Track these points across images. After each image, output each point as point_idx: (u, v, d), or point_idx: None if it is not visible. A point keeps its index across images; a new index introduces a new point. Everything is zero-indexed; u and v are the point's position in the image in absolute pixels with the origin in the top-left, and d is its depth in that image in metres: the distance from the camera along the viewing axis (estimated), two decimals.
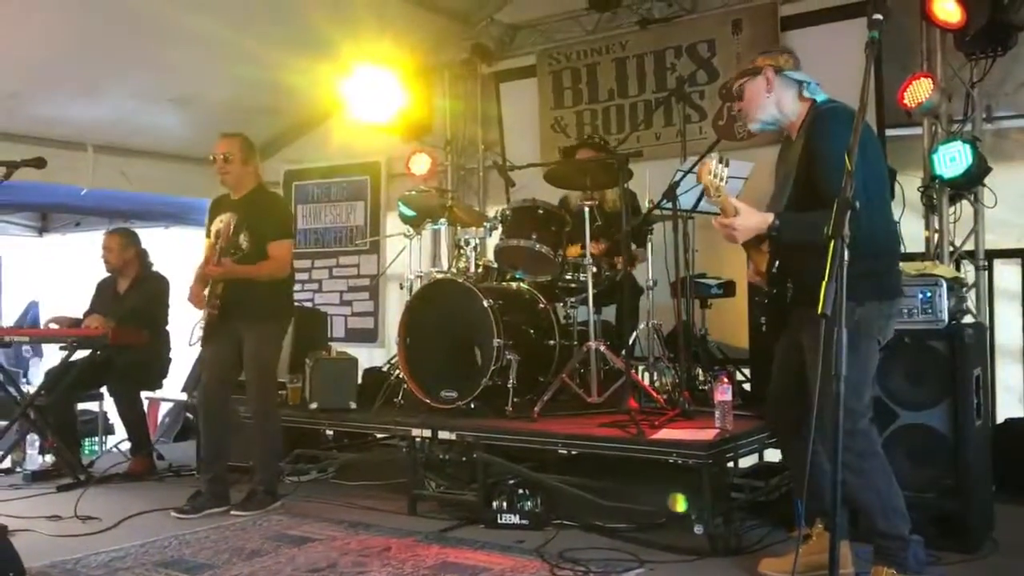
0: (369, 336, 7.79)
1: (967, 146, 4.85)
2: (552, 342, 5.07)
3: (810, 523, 3.40)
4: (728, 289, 5.47)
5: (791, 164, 3.13)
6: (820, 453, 3.12)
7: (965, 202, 5.17)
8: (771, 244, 3.15)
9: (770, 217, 3.00)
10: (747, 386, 5.27)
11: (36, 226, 10.28)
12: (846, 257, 2.16)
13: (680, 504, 3.80)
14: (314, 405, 5.24)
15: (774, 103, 3.22)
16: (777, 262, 3.18)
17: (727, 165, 3.03)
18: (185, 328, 4.94)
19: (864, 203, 2.89)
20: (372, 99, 6.92)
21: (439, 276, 5.22)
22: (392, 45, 7.03)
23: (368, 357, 6.97)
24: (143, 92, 6.76)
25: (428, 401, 4.88)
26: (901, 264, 3.41)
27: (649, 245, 5.21)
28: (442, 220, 5.53)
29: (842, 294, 2.13)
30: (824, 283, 2.12)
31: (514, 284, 5.28)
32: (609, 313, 5.53)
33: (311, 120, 8.13)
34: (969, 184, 4.99)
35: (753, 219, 2.99)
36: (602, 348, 4.81)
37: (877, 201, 3.06)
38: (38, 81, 6.16)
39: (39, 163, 4.05)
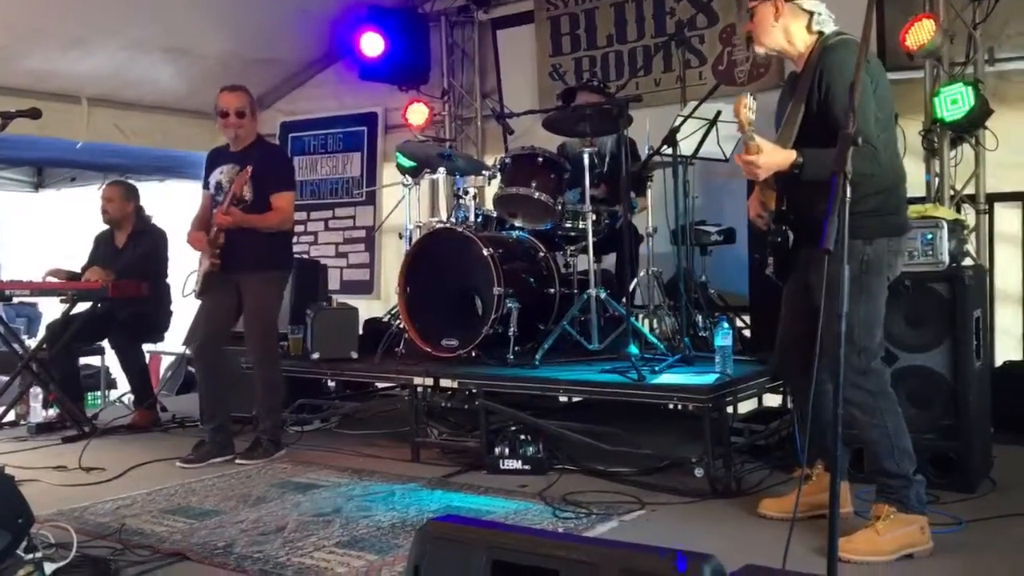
0: (365, 288, 7.79)
1: (969, 88, 4.82)
2: (552, 290, 5.08)
3: (811, 464, 3.43)
4: (728, 236, 5.47)
5: (799, 97, 3.09)
6: (826, 394, 3.14)
7: (966, 145, 5.14)
8: (780, 182, 3.12)
9: (793, 154, 2.95)
10: (747, 332, 5.30)
11: (32, 181, 10.24)
12: (849, 194, 2.15)
13: None
14: (316, 355, 5.26)
15: (781, 31, 3.17)
16: (785, 200, 3.15)
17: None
18: (184, 280, 4.94)
19: (877, 142, 2.90)
20: (368, 49, 6.88)
21: (439, 226, 5.20)
22: None
23: (365, 309, 6.98)
24: (136, 43, 6.70)
25: (429, 350, 4.90)
26: None
27: (649, 192, 5.19)
28: (441, 169, 5.50)
29: (844, 230, 2.12)
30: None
31: (514, 233, 5.27)
32: (609, 261, 5.53)
33: (307, 71, 8.07)
34: (970, 127, 4.96)
35: (777, 156, 2.96)
36: (602, 295, 4.82)
37: (887, 139, 3.04)
38: (29, 33, 6.08)
39: (35, 113, 3.99)
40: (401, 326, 5.21)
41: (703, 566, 1.75)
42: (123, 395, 6.44)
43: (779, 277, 3.32)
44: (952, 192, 5.16)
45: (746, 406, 4.95)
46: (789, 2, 3.14)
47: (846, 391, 2.77)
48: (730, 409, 4.43)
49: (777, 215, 3.20)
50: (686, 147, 4.90)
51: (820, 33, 3.14)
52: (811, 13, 3.14)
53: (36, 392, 5.62)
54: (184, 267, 5.08)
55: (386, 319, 6.17)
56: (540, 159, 4.99)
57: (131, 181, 6.83)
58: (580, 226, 4.99)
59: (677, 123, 4.80)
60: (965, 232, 4.71)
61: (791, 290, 3.33)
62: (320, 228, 8.10)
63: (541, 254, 5.17)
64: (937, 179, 5.16)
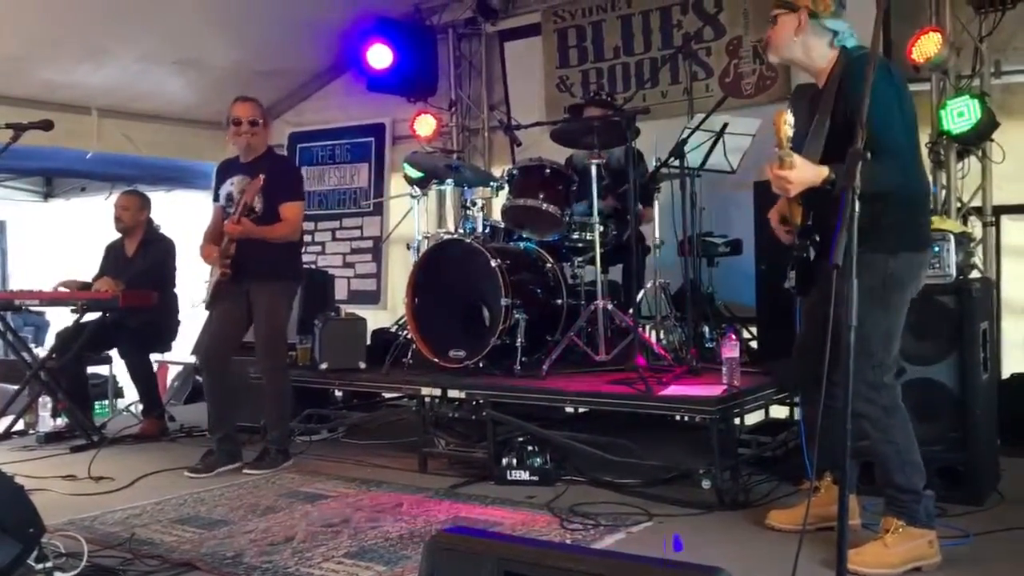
0: (372, 298, 7.81)
1: (975, 101, 4.84)
2: (560, 301, 5.09)
3: (819, 476, 3.43)
4: (735, 247, 5.48)
5: (824, 113, 3.08)
6: (838, 407, 3.13)
7: (973, 158, 5.16)
8: (806, 197, 3.12)
9: (825, 170, 2.94)
10: (753, 343, 5.30)
11: (41, 191, 10.29)
12: (857, 207, 2.16)
13: None
14: (324, 365, 5.28)
15: (801, 45, 3.17)
16: (812, 214, 3.15)
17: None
18: (193, 290, 4.97)
19: (905, 155, 2.92)
20: (376, 61, 6.91)
21: (447, 237, 5.22)
22: (396, 4, 7.01)
23: (372, 319, 6.99)
24: (147, 55, 6.74)
25: (437, 361, 4.90)
26: None
27: (656, 204, 5.21)
28: (448, 181, 5.52)
29: (853, 245, 2.13)
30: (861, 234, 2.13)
31: (521, 244, 5.29)
32: (616, 273, 5.55)
33: (315, 82, 8.11)
34: (977, 139, 4.98)
35: (808, 172, 2.94)
36: (609, 306, 4.83)
37: (912, 152, 3.04)
38: (41, 45, 6.13)
39: (46, 125, 4.04)
40: (408, 336, 5.23)
41: None
42: (131, 404, 6.45)
43: (800, 291, 3.32)
44: (959, 204, 5.17)
45: (753, 418, 4.95)
46: (813, 20, 3.14)
47: (858, 404, 2.78)
48: (737, 421, 4.43)
49: (802, 229, 3.20)
50: (693, 159, 4.92)
51: (843, 48, 3.15)
52: (834, 32, 3.14)
53: (45, 401, 5.64)
54: (192, 277, 5.09)
55: (393, 329, 6.19)
56: (548, 171, 5.01)
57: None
58: (587, 237, 5.01)
59: (684, 135, 4.82)
60: (972, 244, 4.73)
61: (812, 302, 3.33)
62: (327, 238, 8.13)
63: (548, 265, 5.18)
64: (944, 191, 5.18)
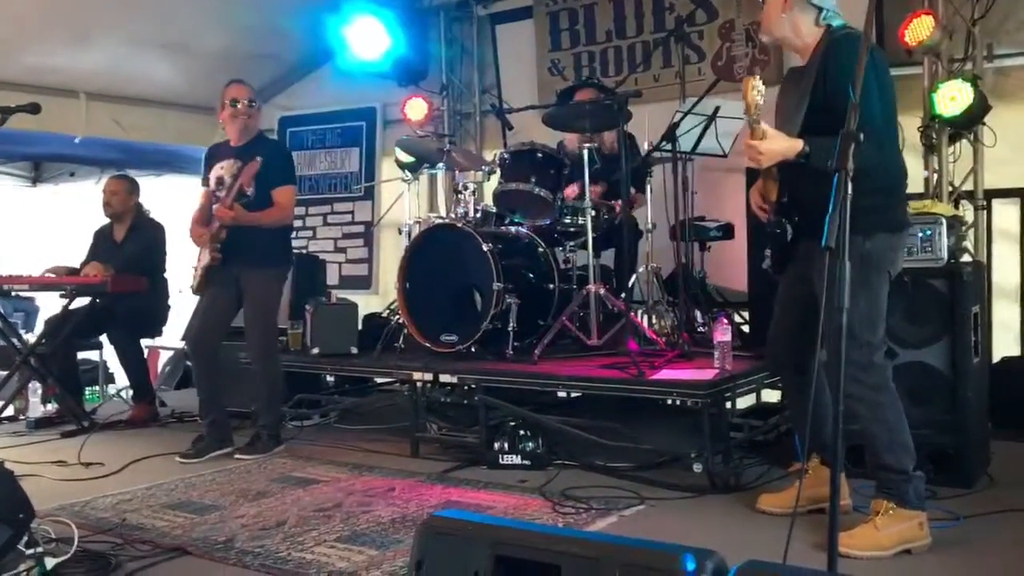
0: (363, 283, 7.79)
1: (968, 85, 4.82)
2: (552, 286, 5.07)
3: (808, 458, 3.43)
4: (727, 232, 5.48)
5: (804, 89, 3.08)
6: (824, 388, 3.14)
7: (965, 141, 5.15)
8: (783, 173, 3.11)
9: (799, 143, 2.93)
10: (745, 328, 5.30)
11: (29, 176, 10.22)
12: (850, 190, 2.15)
13: None
14: (315, 350, 5.27)
15: (789, 23, 3.16)
16: (787, 192, 3.14)
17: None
18: (182, 275, 4.94)
19: (882, 137, 2.91)
20: (367, 43, 6.86)
21: (438, 221, 5.20)
22: None
23: (363, 304, 6.97)
24: (136, 39, 6.68)
25: (429, 345, 4.90)
26: None
27: (648, 188, 5.20)
28: (440, 165, 5.49)
29: (846, 226, 2.12)
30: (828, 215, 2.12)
31: (513, 228, 5.27)
32: (608, 257, 5.54)
33: (306, 66, 8.05)
34: (969, 123, 4.97)
35: (781, 144, 2.94)
36: (601, 291, 4.82)
37: (890, 136, 3.04)
38: (28, 28, 6.07)
39: (34, 108, 3.97)
40: (400, 321, 5.22)
41: (706, 562, 1.75)
42: (121, 390, 6.43)
43: (776, 271, 3.31)
44: (950, 188, 5.16)
45: (745, 401, 4.95)
46: None
47: (848, 385, 2.78)
48: (729, 404, 4.43)
49: (778, 207, 3.19)
50: (685, 143, 4.90)
51: (828, 26, 3.14)
52: (820, 9, 3.13)
53: (35, 387, 5.62)
54: (181, 262, 5.06)
55: (385, 314, 6.17)
56: (539, 155, 5.00)
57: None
58: (579, 222, 5.00)
59: (676, 119, 4.80)
60: (963, 228, 4.73)
61: (787, 283, 3.33)
62: (319, 223, 8.10)
63: (540, 249, 5.17)
64: (935, 175, 5.17)
